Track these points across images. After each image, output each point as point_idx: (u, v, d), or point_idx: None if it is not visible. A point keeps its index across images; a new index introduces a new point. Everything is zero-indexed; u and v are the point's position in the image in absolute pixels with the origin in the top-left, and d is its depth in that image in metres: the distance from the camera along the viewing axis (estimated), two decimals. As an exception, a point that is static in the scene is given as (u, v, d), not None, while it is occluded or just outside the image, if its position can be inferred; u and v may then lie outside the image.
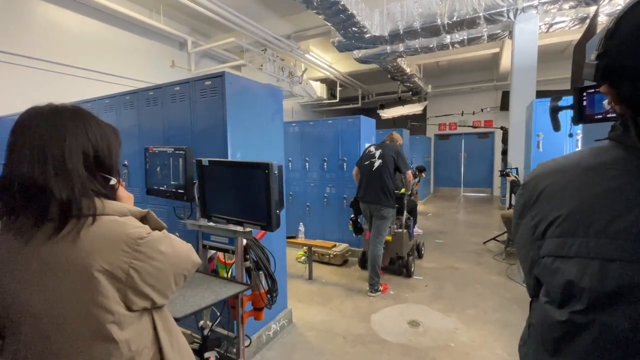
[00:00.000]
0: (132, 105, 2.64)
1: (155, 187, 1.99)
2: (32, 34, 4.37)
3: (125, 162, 2.71)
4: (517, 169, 4.57)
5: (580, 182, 0.56)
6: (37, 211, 0.66)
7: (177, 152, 1.85)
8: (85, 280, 0.63)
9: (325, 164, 4.56)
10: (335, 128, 4.50)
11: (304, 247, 3.96)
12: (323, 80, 9.06)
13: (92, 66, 4.97)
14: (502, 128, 8.78)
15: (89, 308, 0.64)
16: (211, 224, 1.86)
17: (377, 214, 3.33)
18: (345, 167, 4.41)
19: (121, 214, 0.72)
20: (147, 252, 0.69)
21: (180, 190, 1.85)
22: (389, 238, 3.65)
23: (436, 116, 11.12)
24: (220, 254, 2.07)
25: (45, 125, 0.69)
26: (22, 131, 0.69)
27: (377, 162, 3.31)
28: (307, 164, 4.71)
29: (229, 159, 2.10)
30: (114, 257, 0.65)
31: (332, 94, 9.73)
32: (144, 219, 0.76)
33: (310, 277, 3.77)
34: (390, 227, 3.55)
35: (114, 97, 2.77)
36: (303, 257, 4.31)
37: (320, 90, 8.66)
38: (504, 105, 8.42)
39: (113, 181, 0.80)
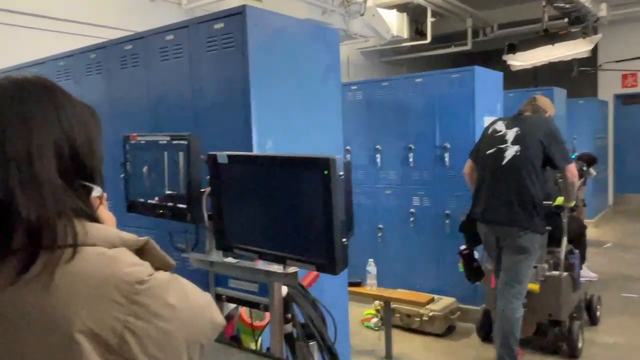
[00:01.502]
0: (100, 67, 2.87)
1: (141, 200, 2.13)
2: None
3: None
4: None
5: None
6: None
7: (174, 142, 1.96)
8: (63, 344, 0.69)
9: (411, 154, 4.57)
10: (426, 91, 4.51)
11: (377, 302, 3.98)
12: (402, 8, 8.97)
13: (38, 10, 5.46)
14: None
15: None
16: (230, 259, 1.93)
17: (511, 243, 3.28)
18: (447, 159, 4.37)
19: (110, 245, 0.78)
20: (149, 305, 0.74)
21: (180, 205, 1.96)
22: (535, 287, 3.55)
23: (617, 61, 10.51)
24: (244, 311, 2.15)
25: (5, 110, 0.79)
26: None
27: (512, 151, 3.28)
28: (377, 155, 4.76)
29: (256, 151, 2.18)
30: (102, 312, 0.70)
31: (417, 29, 9.59)
32: (141, 252, 0.83)
33: (388, 356, 3.77)
34: (535, 267, 3.46)
35: (72, 55, 3.04)
36: (374, 319, 4.35)
37: (398, 25, 8.57)
38: None
39: (97, 192, 0.89)
